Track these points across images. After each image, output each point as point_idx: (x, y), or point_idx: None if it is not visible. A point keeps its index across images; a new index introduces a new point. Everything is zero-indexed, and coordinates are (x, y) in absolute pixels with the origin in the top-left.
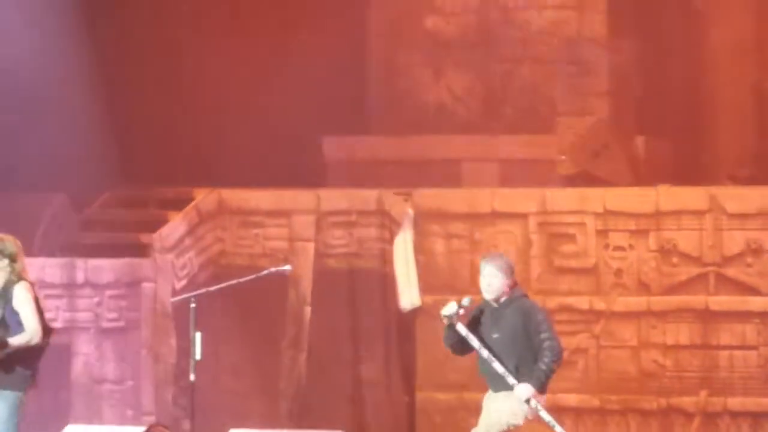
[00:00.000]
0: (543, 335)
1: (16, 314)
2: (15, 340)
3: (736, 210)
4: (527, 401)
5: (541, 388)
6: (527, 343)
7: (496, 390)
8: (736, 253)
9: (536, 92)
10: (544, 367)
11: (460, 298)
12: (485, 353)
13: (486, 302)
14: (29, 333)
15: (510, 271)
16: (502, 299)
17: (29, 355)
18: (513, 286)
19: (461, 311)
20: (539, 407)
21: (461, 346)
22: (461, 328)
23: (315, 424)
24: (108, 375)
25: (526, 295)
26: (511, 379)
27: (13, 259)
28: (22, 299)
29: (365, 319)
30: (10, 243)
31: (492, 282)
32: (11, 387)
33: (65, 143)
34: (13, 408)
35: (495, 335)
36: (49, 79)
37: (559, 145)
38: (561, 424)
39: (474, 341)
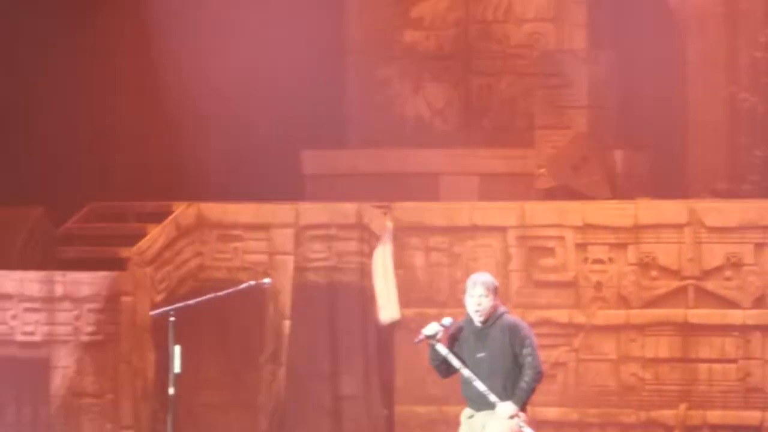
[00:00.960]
0: (525, 350)
1: None
2: None
3: (715, 223)
4: (510, 418)
5: (522, 406)
6: (514, 360)
7: (479, 409)
8: (715, 266)
9: (515, 105)
10: (525, 386)
11: (440, 316)
12: (467, 372)
13: (467, 321)
14: None
15: (496, 291)
16: (486, 318)
17: None
18: (497, 304)
19: (440, 333)
20: (523, 424)
21: (447, 367)
22: (441, 349)
23: None
24: (87, 388)
25: (508, 312)
26: (492, 397)
27: None
28: None
29: (344, 332)
30: None
31: (482, 302)
32: None
33: (43, 157)
34: None
35: (480, 354)
36: (27, 92)
37: (538, 158)
38: None
39: (455, 361)
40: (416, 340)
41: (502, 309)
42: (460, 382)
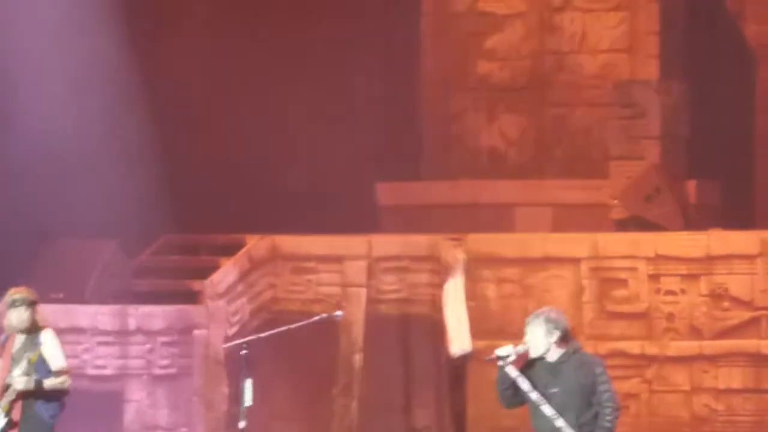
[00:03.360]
0: (602, 387)
1: (44, 362)
2: (49, 383)
3: None
4: None
5: None
6: (587, 397)
7: None
8: None
9: (588, 136)
10: (608, 425)
11: (515, 343)
12: (535, 396)
13: (541, 357)
14: (63, 376)
15: (552, 326)
16: (557, 354)
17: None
18: (564, 339)
19: (514, 357)
20: None
21: (512, 394)
22: (511, 371)
23: None
24: (160, 422)
25: (582, 348)
26: (569, 430)
27: (35, 305)
28: (52, 344)
29: (416, 365)
30: (28, 292)
31: (532, 339)
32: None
33: (118, 190)
34: None
35: (553, 390)
36: (99, 125)
37: (612, 189)
38: None
39: (524, 384)
40: (487, 357)
41: (575, 345)
42: (531, 415)
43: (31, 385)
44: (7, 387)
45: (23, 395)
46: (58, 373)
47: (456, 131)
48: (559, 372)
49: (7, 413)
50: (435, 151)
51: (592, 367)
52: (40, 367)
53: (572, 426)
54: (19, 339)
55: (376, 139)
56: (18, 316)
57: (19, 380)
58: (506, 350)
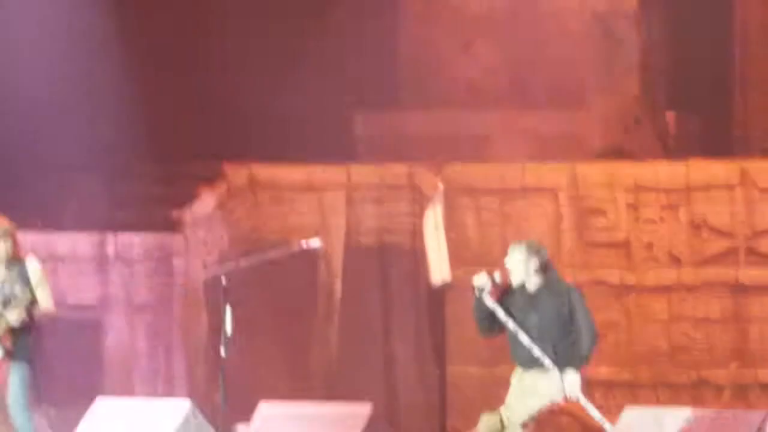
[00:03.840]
0: (579, 315)
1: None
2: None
3: None
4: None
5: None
6: (564, 325)
7: (528, 369)
8: (766, 227)
9: (566, 66)
10: (584, 352)
11: (491, 270)
12: (512, 325)
13: (519, 285)
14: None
15: (532, 254)
16: (536, 283)
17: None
18: (543, 268)
19: (490, 285)
20: (587, 403)
21: (489, 324)
22: (488, 300)
23: (346, 398)
24: (139, 350)
25: (560, 277)
26: (547, 362)
27: (14, 236)
28: (42, 281)
29: (396, 294)
30: (7, 222)
31: (512, 266)
32: (23, 359)
33: (96, 120)
34: (24, 379)
35: (532, 319)
36: (78, 56)
37: (590, 120)
38: (591, 399)
39: (501, 313)
40: (471, 283)
41: (553, 274)
42: (509, 343)
43: (24, 318)
44: None
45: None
46: (46, 311)
47: (433, 62)
48: (537, 301)
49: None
50: (412, 82)
51: (569, 296)
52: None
53: (549, 354)
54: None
55: (353, 68)
56: (2, 248)
57: (13, 315)
58: (482, 279)
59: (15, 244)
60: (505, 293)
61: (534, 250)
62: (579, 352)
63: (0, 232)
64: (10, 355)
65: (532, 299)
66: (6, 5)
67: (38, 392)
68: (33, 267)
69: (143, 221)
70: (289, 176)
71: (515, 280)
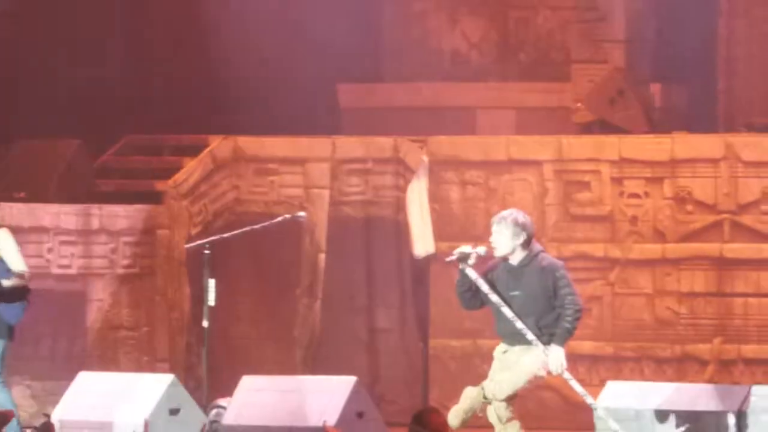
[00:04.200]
0: (563, 290)
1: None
2: (9, 283)
3: (752, 158)
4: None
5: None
6: (548, 300)
7: (513, 344)
8: (751, 200)
9: (551, 39)
10: (568, 326)
11: (475, 244)
12: (495, 298)
13: (504, 260)
14: (22, 273)
15: (520, 229)
16: (520, 257)
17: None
18: (528, 242)
19: (473, 258)
20: (571, 378)
21: (471, 296)
22: (471, 273)
23: (329, 371)
24: (123, 321)
25: (543, 251)
26: (530, 335)
27: None
28: (9, 245)
29: (380, 266)
30: None
31: (498, 239)
32: None
33: (81, 90)
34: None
35: (515, 293)
36: (64, 26)
37: (575, 92)
38: (575, 373)
39: (484, 286)
40: (447, 258)
41: (537, 248)
42: (494, 317)
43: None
44: None
45: None
46: (19, 276)
47: (418, 33)
48: (520, 275)
49: None
50: (396, 53)
51: (553, 270)
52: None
53: (532, 328)
54: None
55: (338, 40)
56: None
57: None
58: (466, 250)
59: None
60: (491, 267)
61: (521, 226)
62: (563, 326)
63: None
64: None
65: (516, 273)
66: None
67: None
68: (3, 237)
69: (128, 192)
70: (274, 148)
71: (498, 253)
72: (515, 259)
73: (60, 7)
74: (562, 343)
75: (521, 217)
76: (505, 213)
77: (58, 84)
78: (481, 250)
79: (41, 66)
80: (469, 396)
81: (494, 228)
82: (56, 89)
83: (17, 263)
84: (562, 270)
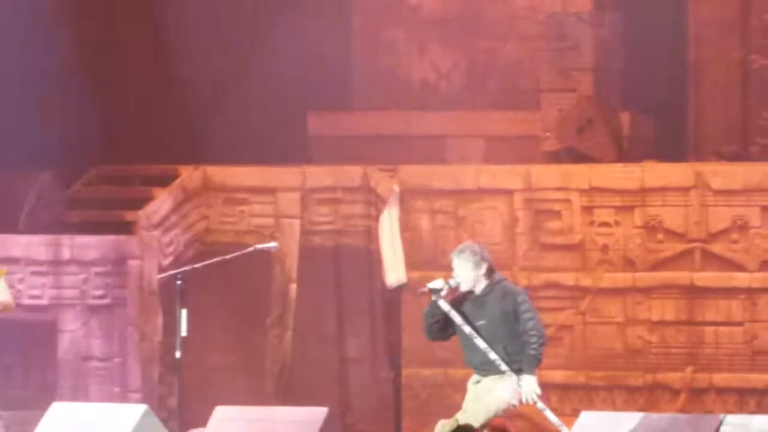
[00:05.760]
0: (526, 315)
1: None
2: None
3: (722, 186)
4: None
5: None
6: (512, 327)
7: (485, 374)
8: (721, 229)
9: (520, 68)
10: (533, 353)
11: (447, 274)
12: (467, 329)
13: (468, 290)
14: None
15: (478, 259)
16: (482, 286)
17: None
18: (490, 271)
19: (445, 290)
20: (544, 407)
21: (438, 328)
22: (443, 305)
23: (301, 401)
24: (94, 352)
25: (505, 279)
26: (503, 366)
27: None
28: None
29: (351, 296)
30: None
31: (460, 273)
32: None
33: (50, 120)
34: None
35: (480, 322)
36: (31, 56)
37: (544, 121)
38: (547, 402)
39: (456, 317)
40: (420, 291)
41: (498, 276)
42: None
43: None
44: None
45: None
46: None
47: (387, 62)
48: (484, 303)
49: None
50: (366, 82)
51: (514, 296)
52: None
53: (502, 357)
54: None
55: (307, 68)
56: None
57: None
58: (438, 284)
59: None
60: (454, 298)
61: (480, 256)
62: (528, 354)
63: None
64: None
65: (479, 302)
66: None
67: None
68: None
69: (99, 223)
70: (244, 178)
71: (464, 287)
72: (478, 288)
73: (31, 38)
74: (531, 370)
75: (478, 247)
76: (461, 246)
77: (28, 114)
78: (453, 282)
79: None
80: (442, 429)
81: (455, 263)
82: (27, 118)
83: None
84: (523, 296)
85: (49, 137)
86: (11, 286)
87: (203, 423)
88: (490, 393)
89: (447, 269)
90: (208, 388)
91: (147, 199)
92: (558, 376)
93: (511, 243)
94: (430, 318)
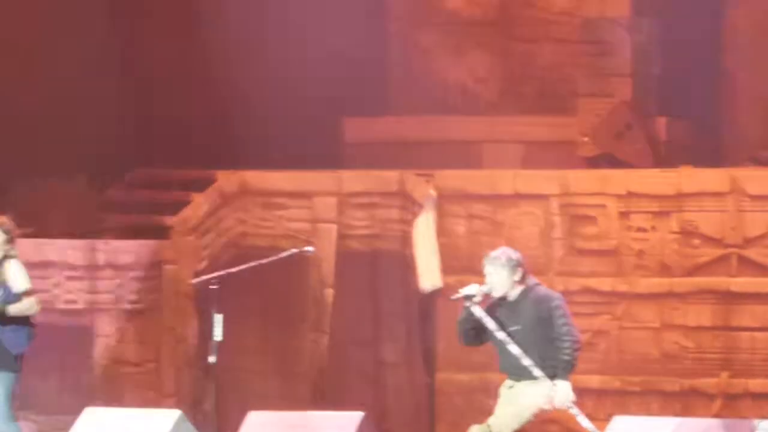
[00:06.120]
0: (559, 321)
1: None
2: (14, 308)
3: (758, 192)
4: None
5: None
6: (546, 332)
7: (518, 379)
8: (757, 234)
9: (557, 73)
10: (567, 358)
11: (481, 280)
12: (502, 335)
13: (502, 297)
14: (28, 302)
15: (514, 265)
16: (516, 292)
17: (21, 337)
18: (523, 277)
19: (480, 296)
20: (578, 412)
21: (474, 334)
22: (477, 311)
23: (336, 405)
24: (129, 356)
25: (539, 284)
26: (537, 371)
27: (10, 236)
28: (15, 268)
29: (386, 300)
30: (8, 222)
31: (494, 280)
32: (6, 368)
33: (88, 125)
34: (8, 389)
35: (514, 327)
36: (70, 62)
37: (581, 126)
38: (582, 407)
39: (490, 323)
40: (453, 296)
41: (532, 281)
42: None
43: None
44: None
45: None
46: (23, 296)
47: (424, 67)
48: (518, 309)
49: None
50: (403, 87)
51: (548, 301)
52: (7, 293)
53: (537, 363)
54: None
55: (344, 73)
56: None
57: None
58: (472, 290)
59: (12, 242)
60: (488, 304)
61: (516, 262)
62: (562, 360)
63: None
64: None
65: (513, 308)
66: None
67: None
68: (9, 262)
69: (135, 227)
70: (280, 183)
71: (497, 293)
72: (512, 295)
73: (66, 43)
74: (565, 376)
75: (513, 254)
76: (496, 253)
77: (66, 119)
78: (486, 288)
79: (45, 102)
80: None
81: (488, 269)
82: (64, 124)
83: (21, 283)
84: (557, 301)
85: (86, 140)
86: (46, 290)
87: (238, 427)
88: (522, 398)
89: (482, 274)
90: (242, 392)
91: (184, 204)
92: (593, 381)
93: (547, 248)
94: (464, 324)
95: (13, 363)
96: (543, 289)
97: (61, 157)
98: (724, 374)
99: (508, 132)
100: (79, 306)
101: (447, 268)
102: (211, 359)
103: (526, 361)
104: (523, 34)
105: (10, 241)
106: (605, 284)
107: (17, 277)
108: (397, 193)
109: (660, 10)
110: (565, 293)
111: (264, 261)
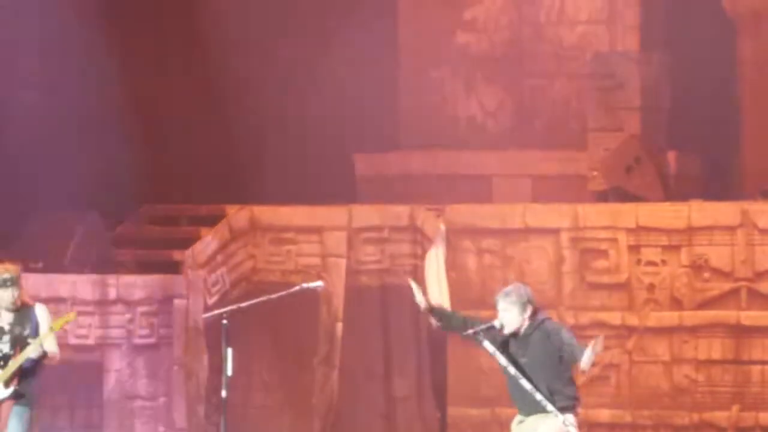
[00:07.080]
0: (571, 342)
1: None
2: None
3: None
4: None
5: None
6: (555, 366)
7: (528, 413)
8: (767, 268)
9: (567, 107)
10: (588, 358)
11: (492, 318)
12: (513, 370)
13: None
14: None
15: (525, 302)
16: (526, 326)
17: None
18: (534, 313)
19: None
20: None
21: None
22: (488, 346)
23: None
24: (140, 391)
25: (548, 318)
26: (550, 407)
27: (20, 282)
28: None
29: (397, 334)
30: (15, 269)
31: (506, 317)
32: (26, 404)
33: (97, 160)
34: (27, 424)
35: (523, 360)
36: (81, 97)
37: (591, 160)
38: None
39: (501, 359)
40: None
41: (542, 315)
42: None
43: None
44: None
45: (23, 369)
46: (52, 356)
47: (434, 101)
48: (527, 342)
49: (7, 384)
50: (413, 121)
51: (558, 332)
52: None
53: (545, 395)
54: (6, 315)
55: (353, 108)
56: (10, 295)
57: (32, 350)
58: (483, 326)
59: (22, 289)
60: (502, 343)
61: (526, 298)
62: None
63: (10, 281)
64: (17, 396)
65: (523, 341)
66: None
67: None
68: (42, 312)
69: (145, 262)
70: (290, 217)
71: (509, 329)
72: (522, 329)
73: (77, 79)
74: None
75: (524, 290)
76: (508, 289)
77: (76, 154)
78: (497, 323)
79: (58, 138)
80: None
81: (501, 306)
82: (75, 159)
83: (52, 345)
84: (566, 331)
85: (97, 176)
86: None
87: None
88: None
89: (493, 308)
90: (254, 427)
91: (194, 239)
92: (604, 415)
93: (557, 282)
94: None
95: (32, 399)
96: (551, 323)
97: (72, 192)
98: (735, 407)
99: (519, 166)
100: (90, 341)
101: (457, 303)
102: (223, 394)
103: (538, 396)
104: (533, 68)
105: (21, 287)
106: (616, 318)
107: (51, 336)
108: (408, 227)
109: (670, 43)
110: (576, 327)
111: (274, 296)
